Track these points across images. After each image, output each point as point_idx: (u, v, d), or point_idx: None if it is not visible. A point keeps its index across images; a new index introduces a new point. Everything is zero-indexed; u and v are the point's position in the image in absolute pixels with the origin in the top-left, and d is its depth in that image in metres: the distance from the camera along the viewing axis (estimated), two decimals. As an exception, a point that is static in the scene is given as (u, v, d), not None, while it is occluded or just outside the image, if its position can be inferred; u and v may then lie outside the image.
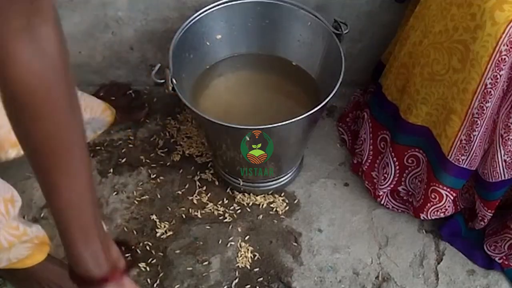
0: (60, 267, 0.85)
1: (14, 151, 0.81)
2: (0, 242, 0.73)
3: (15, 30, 0.38)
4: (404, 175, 0.99)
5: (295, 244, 1.00)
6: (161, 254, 0.97)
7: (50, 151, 0.43)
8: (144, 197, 1.05)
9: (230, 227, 1.01)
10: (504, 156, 0.81)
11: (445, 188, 0.91)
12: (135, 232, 1.00)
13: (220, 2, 0.96)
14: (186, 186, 1.06)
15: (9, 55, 0.38)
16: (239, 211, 1.03)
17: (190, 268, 0.96)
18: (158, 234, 0.99)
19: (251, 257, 0.97)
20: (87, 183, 0.46)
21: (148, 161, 1.10)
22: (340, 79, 0.84)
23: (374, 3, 1.03)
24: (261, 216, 1.03)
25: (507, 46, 0.69)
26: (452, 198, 0.93)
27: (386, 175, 1.00)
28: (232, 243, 0.99)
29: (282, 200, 1.05)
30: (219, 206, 1.04)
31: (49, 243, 0.85)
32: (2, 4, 0.36)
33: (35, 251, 0.80)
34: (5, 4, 0.36)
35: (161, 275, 0.95)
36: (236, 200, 1.05)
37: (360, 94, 1.17)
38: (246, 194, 1.05)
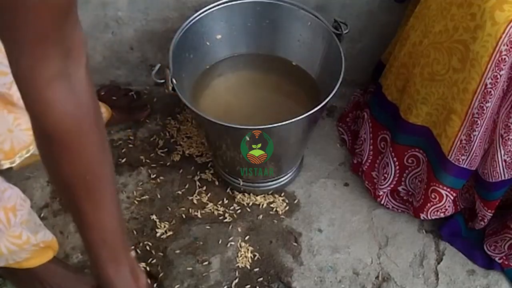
0: (63, 269, 0.85)
1: (7, 163, 0.81)
2: (0, 249, 0.73)
3: (53, 75, 0.40)
4: (404, 175, 0.99)
5: (295, 244, 1.00)
6: (161, 254, 0.97)
7: (85, 186, 0.45)
8: (144, 197, 1.05)
9: (230, 227, 1.01)
10: (504, 156, 0.81)
11: (445, 188, 0.91)
12: (135, 232, 1.00)
13: (220, 2, 0.96)
14: (186, 186, 1.06)
15: (48, 100, 0.40)
16: (239, 211, 1.03)
17: (190, 268, 0.96)
18: (158, 234, 0.99)
19: (251, 257, 0.97)
20: (117, 215, 0.49)
21: (148, 161, 1.10)
22: (340, 79, 0.84)
23: (374, 3, 1.03)
24: (261, 216, 1.03)
25: (507, 46, 0.69)
26: (452, 198, 0.93)
27: (386, 175, 1.00)
28: (232, 243, 0.99)
29: (282, 200, 1.05)
30: (219, 206, 1.04)
31: (56, 248, 0.85)
32: (42, 47, 0.38)
33: (35, 254, 0.80)
34: (44, 47, 0.38)
35: (161, 275, 0.95)
36: (236, 200, 1.05)
37: (360, 94, 1.17)
38: (246, 194, 1.05)
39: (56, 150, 0.43)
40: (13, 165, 0.81)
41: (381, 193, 1.01)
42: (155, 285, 0.94)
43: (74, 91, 0.42)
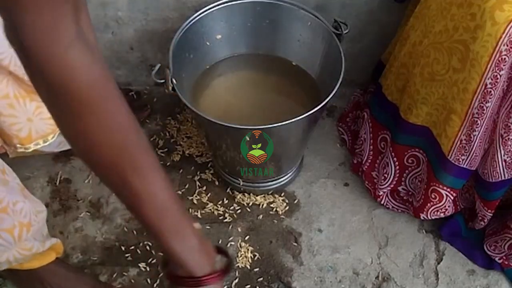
0: (64, 269, 0.85)
1: (22, 148, 0.82)
2: (8, 259, 0.74)
3: (73, 36, 0.37)
4: (404, 175, 0.99)
5: (295, 244, 1.00)
6: (161, 254, 0.97)
7: (126, 156, 0.42)
8: (144, 197, 1.05)
9: (230, 227, 1.01)
10: (504, 156, 0.81)
11: (445, 188, 0.91)
12: (135, 232, 1.00)
13: (220, 2, 0.96)
14: (186, 186, 1.06)
15: (74, 63, 0.37)
16: (239, 211, 1.03)
17: (190, 268, 0.96)
18: (158, 234, 0.99)
19: (251, 257, 0.97)
20: (168, 184, 0.45)
21: (148, 161, 1.10)
22: (340, 79, 0.84)
23: (374, 3, 1.03)
24: (261, 216, 1.03)
25: (507, 46, 0.69)
26: (452, 198, 0.93)
27: (386, 175, 1.00)
28: (232, 243, 0.99)
29: (282, 200, 1.05)
30: (219, 206, 1.04)
31: (60, 250, 0.85)
32: (59, 4, 0.35)
33: (38, 256, 0.80)
34: (61, 5, 0.35)
35: (161, 275, 0.95)
36: (236, 200, 1.05)
37: (360, 94, 1.17)
38: (246, 194, 1.05)
39: (90, 120, 0.39)
40: (27, 150, 0.83)
41: (381, 193, 1.01)
42: (155, 285, 0.94)
43: (93, 53, 0.39)
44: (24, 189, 0.77)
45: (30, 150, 0.83)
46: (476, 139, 0.81)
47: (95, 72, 0.39)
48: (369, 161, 1.04)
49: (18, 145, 0.81)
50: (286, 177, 1.05)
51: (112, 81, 0.41)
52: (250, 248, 0.98)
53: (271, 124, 0.79)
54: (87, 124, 0.39)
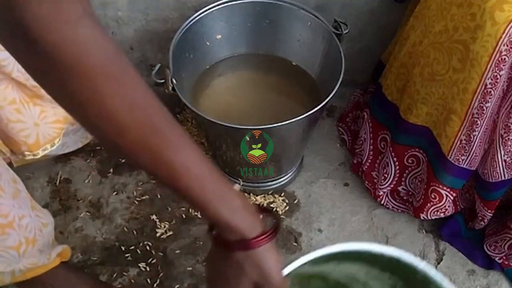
0: (65, 270, 0.85)
1: (30, 155, 0.82)
2: (13, 270, 0.74)
3: (81, 12, 0.35)
4: (404, 175, 0.99)
5: (295, 244, 1.00)
6: (161, 254, 0.97)
7: (151, 127, 0.39)
8: (144, 197, 1.05)
9: (230, 227, 1.01)
10: (504, 156, 0.81)
11: (445, 188, 0.91)
12: (135, 232, 1.00)
13: (220, 2, 0.96)
14: (186, 186, 1.06)
15: (86, 38, 0.36)
16: (239, 211, 1.03)
17: (190, 268, 0.96)
18: (158, 234, 0.99)
19: (251, 257, 0.97)
20: (200, 151, 0.43)
21: (148, 161, 1.10)
22: (340, 79, 0.84)
23: (374, 3, 1.03)
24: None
25: (507, 46, 0.69)
26: (452, 198, 0.93)
27: (386, 175, 0.99)
28: (232, 243, 0.99)
29: (282, 200, 1.05)
30: (219, 206, 1.04)
31: (68, 256, 0.85)
32: None
33: (41, 267, 0.80)
34: None
35: (161, 275, 0.95)
36: (236, 200, 1.05)
37: (360, 94, 1.17)
38: (246, 194, 1.05)
39: (111, 101, 0.37)
40: (36, 157, 0.83)
41: (381, 193, 1.01)
42: (155, 285, 0.94)
43: (102, 27, 0.37)
44: (31, 199, 0.77)
45: (38, 156, 0.82)
46: (476, 139, 0.81)
47: (108, 46, 0.37)
48: (369, 161, 1.04)
49: (26, 153, 0.80)
50: (286, 177, 1.05)
51: (125, 54, 0.39)
52: None
53: (271, 124, 0.79)
54: (108, 105, 0.37)
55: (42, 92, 0.74)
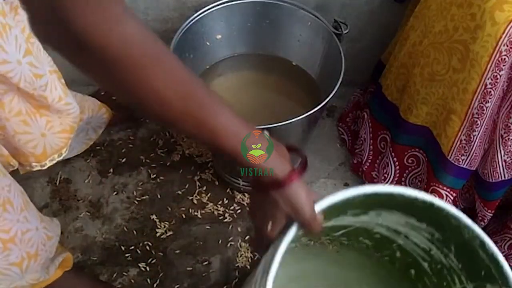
0: (68, 272, 0.85)
1: (38, 166, 0.82)
2: (15, 287, 0.75)
3: (122, 15, 0.40)
4: (404, 175, 0.99)
5: (295, 244, 1.00)
6: (161, 254, 0.97)
7: (194, 98, 0.46)
8: (144, 197, 1.05)
9: (230, 227, 1.01)
10: (504, 156, 0.81)
11: (445, 188, 0.91)
12: (135, 232, 1.00)
13: (220, 2, 0.96)
14: (186, 186, 1.06)
15: (130, 32, 0.40)
16: (239, 211, 1.03)
17: (190, 268, 0.96)
18: (158, 234, 0.99)
19: (251, 257, 0.97)
20: (231, 111, 0.49)
21: (148, 161, 1.10)
22: (340, 79, 0.84)
23: (374, 3, 1.03)
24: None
25: (507, 46, 0.69)
26: (452, 198, 0.93)
27: (386, 175, 0.99)
28: (232, 243, 0.99)
29: (282, 200, 1.05)
30: (219, 206, 1.04)
31: (70, 264, 0.86)
32: None
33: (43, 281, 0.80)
34: None
35: (161, 275, 0.95)
36: (236, 200, 1.05)
37: (360, 94, 1.17)
38: (246, 194, 1.05)
39: (158, 83, 0.43)
40: (44, 168, 0.83)
41: (381, 193, 1.01)
42: (155, 285, 0.94)
43: (140, 21, 0.43)
44: (38, 211, 0.77)
45: (46, 167, 0.83)
46: (476, 139, 0.81)
47: (148, 36, 0.43)
48: (369, 161, 1.04)
49: (34, 164, 0.81)
50: (286, 177, 1.04)
51: (160, 39, 0.45)
52: (250, 248, 0.98)
53: (271, 124, 0.79)
54: (155, 87, 0.43)
55: (49, 102, 0.75)
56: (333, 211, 0.59)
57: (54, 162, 0.84)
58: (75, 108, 0.83)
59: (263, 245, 0.56)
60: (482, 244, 0.58)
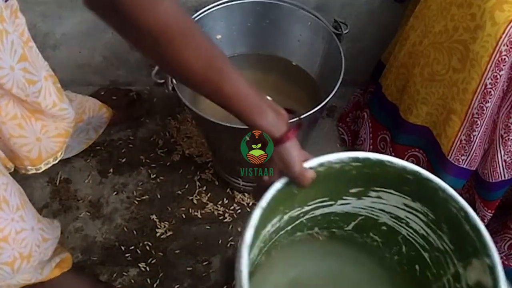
0: (67, 272, 0.85)
1: (33, 169, 0.83)
2: (9, 284, 0.75)
3: None
4: (404, 175, 0.99)
5: (295, 244, 1.00)
6: (161, 254, 0.97)
7: (216, 67, 0.54)
8: (144, 197, 1.05)
9: (230, 227, 1.01)
10: (504, 156, 0.81)
11: (445, 188, 0.91)
12: (135, 232, 1.00)
13: (220, 2, 0.96)
14: (186, 186, 1.06)
15: (166, 9, 0.48)
16: (239, 211, 1.03)
17: (190, 268, 0.96)
18: (158, 234, 0.99)
19: (251, 257, 0.97)
20: (243, 78, 0.58)
21: (148, 161, 1.10)
22: (340, 79, 0.83)
23: (374, 3, 1.03)
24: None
25: (507, 46, 0.69)
26: (452, 198, 0.93)
27: (386, 175, 0.99)
28: (232, 243, 0.99)
29: (282, 200, 1.05)
30: (219, 206, 1.04)
31: (69, 264, 0.86)
32: None
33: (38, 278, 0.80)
34: None
35: (161, 275, 0.95)
36: (236, 200, 1.05)
37: (360, 94, 1.17)
38: (246, 194, 1.05)
39: (187, 51, 0.51)
40: (39, 171, 0.83)
41: (381, 193, 1.01)
42: (155, 285, 0.94)
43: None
44: (37, 213, 0.77)
45: (41, 170, 0.84)
46: (476, 139, 0.81)
47: (180, 13, 0.49)
48: (369, 161, 1.04)
49: (29, 167, 0.81)
50: (286, 177, 1.04)
51: (189, 15, 0.52)
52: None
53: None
54: (184, 56, 0.51)
55: (43, 107, 0.76)
56: (333, 182, 0.65)
57: (49, 166, 0.85)
58: (70, 113, 0.84)
59: (262, 194, 0.64)
60: (466, 216, 0.61)
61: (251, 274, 0.73)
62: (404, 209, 0.69)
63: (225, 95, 0.56)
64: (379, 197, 0.69)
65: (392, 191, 0.67)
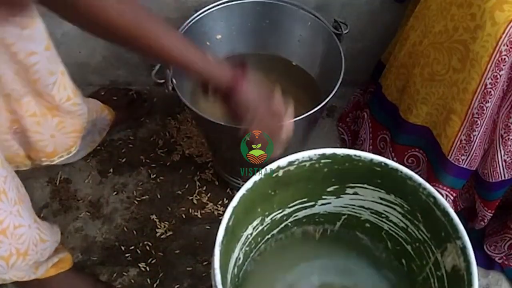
0: (67, 272, 0.85)
1: (47, 161, 0.87)
2: (4, 278, 0.75)
3: None
4: (404, 175, 0.99)
5: (295, 244, 1.00)
6: (161, 254, 0.97)
7: (138, 27, 0.54)
8: (144, 197, 1.05)
9: (230, 227, 1.01)
10: (504, 156, 0.81)
11: (445, 188, 0.91)
12: (135, 232, 1.00)
13: (220, 2, 0.96)
14: (186, 186, 1.06)
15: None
16: (239, 211, 1.03)
17: (190, 268, 0.96)
18: (158, 234, 0.99)
19: (251, 257, 0.97)
20: (179, 34, 0.62)
21: (148, 161, 1.10)
22: (340, 79, 0.84)
23: (374, 3, 1.03)
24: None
25: (507, 46, 0.69)
26: (452, 198, 0.93)
27: (386, 175, 0.99)
28: (232, 243, 0.99)
29: (282, 200, 1.05)
30: (219, 206, 1.04)
31: (69, 264, 0.86)
32: None
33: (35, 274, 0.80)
34: None
35: (161, 275, 0.95)
36: (236, 200, 1.05)
37: (360, 94, 1.17)
38: (246, 194, 1.05)
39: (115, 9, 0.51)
40: (52, 163, 0.89)
41: (381, 193, 1.01)
42: (155, 285, 0.94)
43: None
44: (33, 212, 0.78)
45: (54, 162, 0.89)
46: (476, 139, 0.81)
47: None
48: (369, 161, 1.04)
49: (43, 159, 0.86)
50: (286, 177, 1.04)
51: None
52: None
53: (271, 124, 0.78)
54: (110, 15, 0.51)
55: (57, 100, 0.80)
56: (307, 181, 0.68)
57: (63, 159, 0.89)
58: (84, 109, 0.87)
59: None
60: (436, 201, 0.63)
61: (243, 282, 0.74)
62: (381, 203, 0.71)
63: (167, 52, 0.58)
64: (356, 193, 0.71)
65: (366, 185, 0.69)
